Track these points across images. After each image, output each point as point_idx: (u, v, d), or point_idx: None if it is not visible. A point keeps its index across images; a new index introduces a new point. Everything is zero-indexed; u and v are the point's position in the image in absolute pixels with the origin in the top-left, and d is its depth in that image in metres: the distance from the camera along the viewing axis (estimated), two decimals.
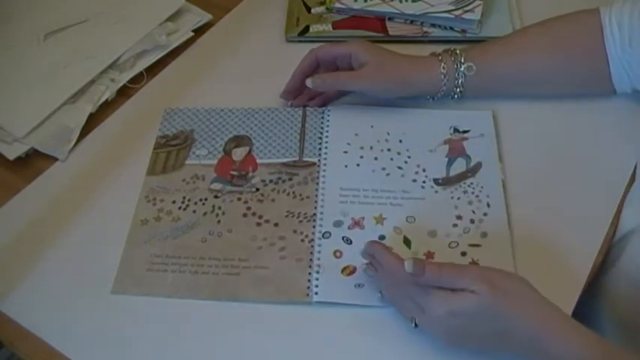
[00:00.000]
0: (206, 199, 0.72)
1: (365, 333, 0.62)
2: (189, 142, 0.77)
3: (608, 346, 0.55)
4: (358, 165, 0.74)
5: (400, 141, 0.76)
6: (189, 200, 0.72)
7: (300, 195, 0.72)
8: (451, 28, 0.87)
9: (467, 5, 0.86)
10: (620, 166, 0.74)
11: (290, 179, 0.73)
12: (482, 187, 0.71)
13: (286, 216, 0.70)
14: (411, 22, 0.89)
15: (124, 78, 0.84)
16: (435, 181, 0.72)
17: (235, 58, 0.87)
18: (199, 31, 0.90)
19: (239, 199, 0.72)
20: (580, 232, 0.69)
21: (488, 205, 0.70)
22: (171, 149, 0.76)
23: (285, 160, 0.75)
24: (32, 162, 0.77)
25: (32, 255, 0.69)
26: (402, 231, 0.68)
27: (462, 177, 0.73)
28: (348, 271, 0.66)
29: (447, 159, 0.74)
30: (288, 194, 0.72)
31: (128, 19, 0.90)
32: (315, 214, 0.70)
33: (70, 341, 0.63)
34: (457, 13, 0.86)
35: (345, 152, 0.75)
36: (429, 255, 0.67)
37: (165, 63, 0.87)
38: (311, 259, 0.67)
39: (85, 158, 0.77)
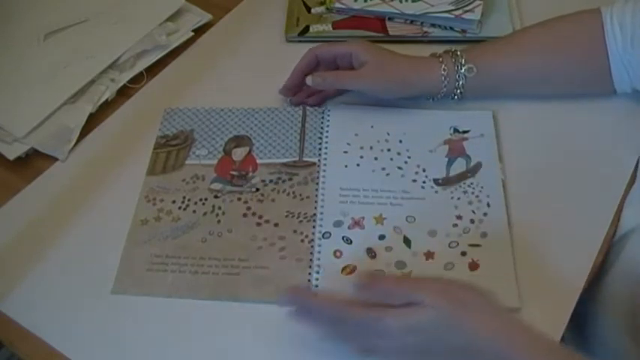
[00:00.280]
0: (206, 199, 0.72)
1: None
2: (189, 142, 0.77)
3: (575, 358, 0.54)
4: (358, 165, 0.74)
5: (400, 141, 0.76)
6: (189, 200, 0.72)
7: (300, 195, 0.72)
8: (451, 28, 0.87)
9: (467, 5, 0.86)
10: (620, 166, 0.74)
11: (290, 179, 0.73)
12: (482, 187, 0.71)
13: (286, 216, 0.70)
14: (411, 22, 0.89)
15: (124, 78, 0.84)
16: (435, 181, 0.72)
17: (235, 58, 0.87)
18: (199, 31, 0.90)
19: (239, 199, 0.72)
20: (580, 232, 0.69)
21: (488, 205, 0.70)
22: (171, 149, 0.76)
23: (285, 160, 0.75)
24: (32, 162, 0.77)
25: (32, 255, 0.69)
26: (402, 231, 0.68)
27: (461, 177, 0.73)
28: (348, 270, 0.66)
29: (446, 159, 0.74)
30: (288, 194, 0.72)
31: (128, 19, 0.90)
32: (315, 214, 0.70)
33: (70, 341, 0.63)
34: (457, 13, 0.86)
35: (345, 152, 0.75)
36: (429, 255, 0.67)
37: (165, 63, 0.87)
38: (311, 259, 0.67)
39: (85, 158, 0.77)
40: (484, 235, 0.68)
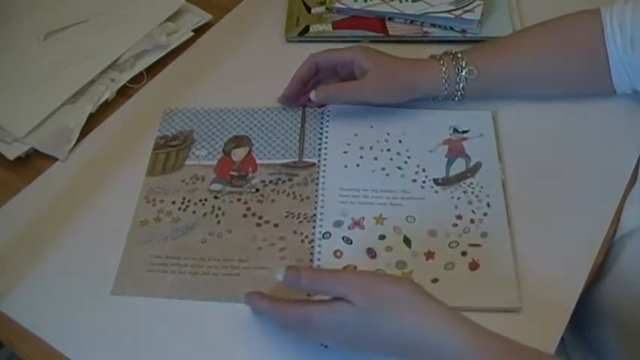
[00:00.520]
0: (206, 200, 0.72)
1: None
2: (189, 143, 0.77)
3: (508, 342, 0.54)
4: (358, 165, 0.74)
5: (400, 141, 0.76)
6: (188, 201, 0.72)
7: (300, 195, 0.72)
8: (451, 28, 0.87)
9: (467, 5, 0.86)
10: (620, 166, 0.74)
11: (290, 180, 0.73)
12: (482, 187, 0.71)
13: (286, 216, 0.70)
14: (411, 22, 0.89)
15: (124, 78, 0.84)
16: (435, 181, 0.72)
17: (235, 58, 0.87)
18: (199, 31, 0.90)
19: (239, 199, 0.72)
20: (580, 232, 0.69)
21: (488, 205, 0.70)
22: (171, 150, 0.76)
23: (284, 160, 0.75)
24: (32, 162, 0.77)
25: (32, 255, 0.69)
26: (401, 230, 0.68)
27: (461, 177, 0.73)
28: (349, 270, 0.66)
29: (446, 159, 0.74)
30: (288, 195, 0.72)
31: (128, 19, 0.89)
32: (314, 215, 0.70)
33: (70, 341, 0.63)
34: (457, 13, 0.86)
35: (345, 152, 0.75)
36: (430, 254, 0.67)
37: (165, 63, 0.87)
38: (311, 260, 0.67)
39: (85, 158, 0.77)
40: (484, 234, 0.68)
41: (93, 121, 0.80)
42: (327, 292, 0.57)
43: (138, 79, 0.85)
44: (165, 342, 0.63)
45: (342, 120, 0.78)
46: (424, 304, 0.55)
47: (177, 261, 0.67)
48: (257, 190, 0.72)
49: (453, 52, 0.76)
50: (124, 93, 0.84)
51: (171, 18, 0.90)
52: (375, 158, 0.74)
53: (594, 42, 0.74)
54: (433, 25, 0.88)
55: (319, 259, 0.67)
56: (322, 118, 0.79)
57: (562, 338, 0.63)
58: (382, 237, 0.68)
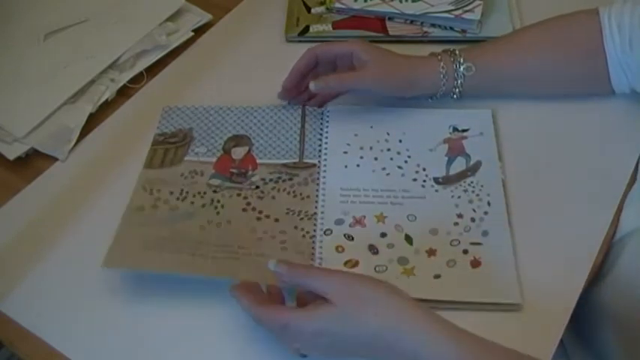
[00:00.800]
0: (205, 193, 0.71)
1: None
2: (188, 141, 0.77)
3: (486, 343, 0.54)
4: (358, 165, 0.74)
5: (400, 141, 0.76)
6: (187, 192, 0.71)
7: (301, 194, 0.71)
8: (451, 28, 0.87)
9: (467, 5, 0.86)
10: (620, 166, 0.74)
11: (290, 179, 0.73)
12: (482, 186, 0.71)
13: (287, 213, 0.70)
14: (411, 22, 0.89)
15: (124, 78, 0.84)
16: (435, 180, 0.72)
17: (235, 58, 0.87)
18: (199, 31, 0.90)
19: (238, 194, 0.71)
20: (580, 232, 0.69)
21: (488, 203, 0.70)
22: (170, 146, 0.76)
23: (285, 161, 0.75)
24: (32, 162, 0.77)
25: (32, 255, 0.69)
26: (403, 229, 0.68)
27: (461, 176, 0.73)
28: (351, 264, 0.66)
29: (446, 158, 0.74)
30: (289, 193, 0.72)
31: (128, 19, 0.90)
32: (315, 213, 0.70)
33: (70, 341, 0.63)
34: (457, 13, 0.86)
35: (345, 152, 0.75)
36: (431, 252, 0.67)
37: (165, 63, 0.87)
38: (313, 254, 0.67)
39: (85, 158, 0.77)
40: (485, 233, 0.68)
41: (93, 121, 0.80)
42: (313, 289, 0.56)
43: (138, 79, 0.85)
44: (165, 342, 0.63)
45: (342, 120, 0.78)
46: (401, 304, 0.55)
47: (174, 244, 0.65)
48: (257, 187, 0.72)
49: (452, 49, 0.76)
50: (124, 93, 0.84)
51: (171, 18, 0.90)
52: (376, 158, 0.75)
53: (593, 42, 0.74)
54: (433, 25, 0.88)
55: (321, 254, 0.67)
56: (322, 118, 0.79)
57: (561, 339, 0.63)
58: (384, 235, 0.68)
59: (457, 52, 0.76)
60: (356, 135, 0.77)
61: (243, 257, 0.65)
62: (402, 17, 0.88)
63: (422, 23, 0.88)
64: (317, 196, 0.71)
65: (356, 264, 0.66)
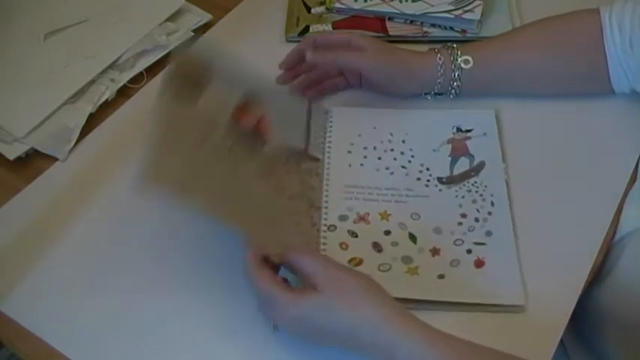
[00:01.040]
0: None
1: None
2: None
3: (463, 343, 0.54)
4: (362, 165, 0.74)
5: (403, 141, 0.76)
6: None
7: (308, 184, 0.71)
8: (451, 28, 0.87)
9: (467, 5, 0.86)
10: (620, 166, 0.74)
11: (297, 164, 0.72)
12: (486, 186, 0.71)
13: (299, 197, 0.69)
14: (411, 22, 0.89)
15: (124, 78, 0.84)
16: (439, 179, 0.72)
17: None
18: (199, 31, 0.90)
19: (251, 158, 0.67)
20: (580, 232, 0.69)
21: (492, 204, 0.70)
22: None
23: (292, 144, 0.73)
24: (32, 162, 0.77)
25: (32, 255, 0.68)
26: (407, 227, 0.68)
27: (465, 176, 0.73)
28: (355, 262, 0.66)
29: (450, 158, 0.74)
30: (298, 176, 0.71)
31: (128, 19, 0.89)
32: (320, 207, 0.70)
33: (70, 341, 0.63)
34: (457, 13, 0.86)
35: (349, 152, 0.75)
36: (435, 251, 0.67)
37: (165, 63, 0.87)
38: (318, 248, 0.67)
39: (85, 158, 0.77)
40: (489, 233, 0.68)
41: (93, 121, 0.80)
42: (302, 269, 0.57)
43: (138, 79, 0.85)
44: (165, 342, 0.63)
45: (345, 121, 0.78)
46: (380, 300, 0.55)
47: (205, 180, 0.61)
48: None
49: (450, 44, 0.77)
50: (124, 93, 0.84)
51: (171, 18, 0.90)
52: (379, 158, 0.75)
53: (593, 41, 0.74)
54: (433, 25, 0.88)
55: (324, 250, 0.67)
56: (326, 119, 0.79)
57: (562, 339, 0.63)
58: (387, 232, 0.68)
59: (455, 45, 0.76)
60: (359, 135, 0.77)
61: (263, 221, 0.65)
62: (402, 17, 0.88)
63: (422, 23, 0.88)
64: (321, 189, 0.71)
65: (360, 262, 0.66)
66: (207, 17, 0.91)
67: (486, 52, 0.77)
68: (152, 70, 0.86)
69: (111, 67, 0.84)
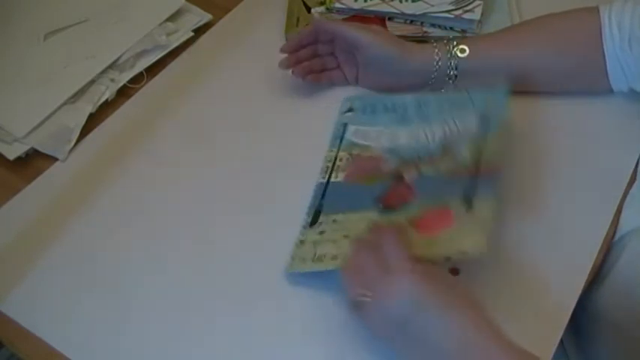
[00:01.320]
0: None
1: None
2: None
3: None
4: None
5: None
6: None
7: None
8: (451, 28, 0.87)
9: (467, 5, 0.86)
10: (620, 166, 0.74)
11: None
12: None
13: None
14: (411, 22, 0.88)
15: (124, 78, 0.84)
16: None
17: (235, 58, 0.87)
18: (199, 31, 0.90)
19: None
20: (580, 232, 0.69)
21: None
22: None
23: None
24: (32, 162, 0.77)
25: (32, 255, 0.69)
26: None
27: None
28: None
29: None
30: None
31: (128, 19, 0.89)
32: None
33: (70, 341, 0.63)
34: (457, 13, 0.86)
35: None
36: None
37: (165, 63, 0.87)
38: None
39: (85, 158, 0.77)
40: None
41: (93, 121, 0.80)
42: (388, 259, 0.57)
43: (138, 79, 0.85)
44: (165, 342, 0.63)
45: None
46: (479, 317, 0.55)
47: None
48: None
49: (447, 38, 0.78)
50: (124, 93, 0.84)
51: (171, 18, 0.90)
52: None
53: (591, 40, 0.74)
54: (433, 25, 0.88)
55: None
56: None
57: (561, 340, 0.63)
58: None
59: (451, 37, 0.78)
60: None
61: None
62: (402, 17, 0.88)
63: (422, 23, 0.88)
64: None
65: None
66: (207, 17, 0.91)
67: (484, 44, 0.77)
68: (152, 70, 0.86)
69: (111, 67, 0.84)
